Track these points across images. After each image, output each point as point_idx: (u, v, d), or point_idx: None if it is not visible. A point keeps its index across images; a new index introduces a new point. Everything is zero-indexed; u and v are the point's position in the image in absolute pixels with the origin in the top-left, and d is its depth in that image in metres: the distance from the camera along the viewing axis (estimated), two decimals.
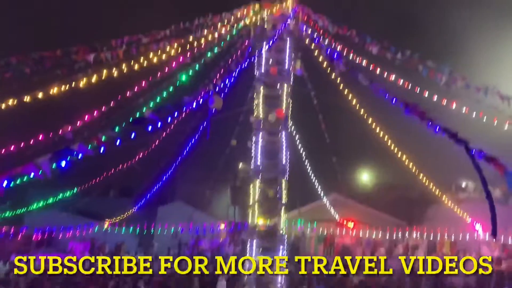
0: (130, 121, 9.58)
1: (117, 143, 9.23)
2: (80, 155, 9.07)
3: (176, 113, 11.17)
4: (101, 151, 9.40)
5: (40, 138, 13.30)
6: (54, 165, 8.67)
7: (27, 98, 12.43)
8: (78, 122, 13.66)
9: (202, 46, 15.77)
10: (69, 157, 9.02)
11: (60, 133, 13.39)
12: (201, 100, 11.83)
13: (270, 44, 16.46)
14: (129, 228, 27.08)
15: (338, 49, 16.47)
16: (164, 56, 14.52)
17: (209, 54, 15.49)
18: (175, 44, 15.04)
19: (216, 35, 16.16)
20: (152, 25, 16.35)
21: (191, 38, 15.58)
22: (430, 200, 25.31)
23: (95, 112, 13.92)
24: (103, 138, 9.56)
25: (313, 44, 17.66)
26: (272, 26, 17.59)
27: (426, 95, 14.25)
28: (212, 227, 28.81)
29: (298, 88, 18.75)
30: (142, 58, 14.11)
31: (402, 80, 14.66)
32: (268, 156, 15.76)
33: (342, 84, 17.50)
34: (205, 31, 16.18)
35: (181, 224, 27.81)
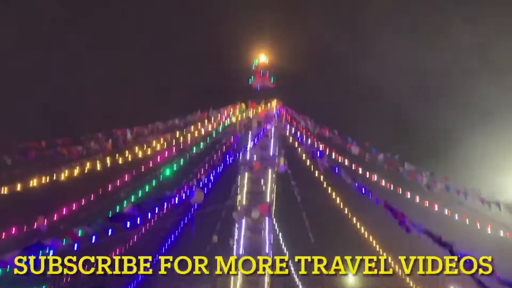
0: (109, 216, 9.32)
1: (93, 240, 8.87)
2: (51, 252, 8.65)
3: (156, 209, 10.96)
4: (75, 248, 8.99)
5: (12, 232, 12.68)
6: (23, 261, 8.21)
7: (4, 190, 12.10)
8: (55, 215, 13.19)
9: (188, 142, 16.01)
10: (40, 252, 8.60)
11: (34, 226, 12.84)
12: (184, 195, 11.70)
13: (255, 142, 16.85)
14: None
15: (320, 148, 16.90)
16: (149, 151, 14.61)
17: (194, 150, 15.67)
18: (161, 139, 15.25)
19: (202, 131, 16.52)
20: (137, 120, 16.73)
21: (177, 134, 15.86)
22: None
23: (74, 205, 13.54)
24: (79, 233, 9.21)
25: (296, 143, 18.14)
26: (258, 124, 18.14)
27: (409, 196, 14.36)
28: None
29: (282, 184, 18.81)
30: (127, 151, 14.16)
31: (383, 181, 14.87)
32: (252, 253, 15.19)
33: (325, 182, 17.64)
34: (192, 127, 16.56)
35: None
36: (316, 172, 17.39)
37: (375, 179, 14.98)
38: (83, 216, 13.43)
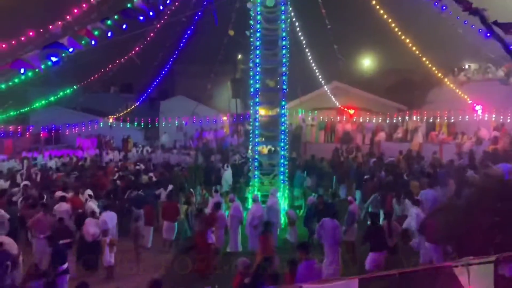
0: (120, 12, 9.14)
1: (109, 35, 8.92)
2: (71, 50, 8.85)
3: (168, 0, 10.59)
4: (93, 44, 9.14)
5: (30, 35, 12.80)
6: (49, 62, 8.52)
7: None
8: (68, 16, 13.03)
9: None
10: (60, 52, 8.81)
11: (50, 28, 12.86)
12: None
13: None
14: (134, 123, 27.60)
15: None
16: None
17: None
18: None
19: None
20: None
21: None
22: (431, 83, 25.17)
23: (84, 5, 13.19)
24: (95, 32, 9.23)
25: None
26: None
27: None
28: (216, 119, 29.32)
29: None
30: None
31: None
32: (267, 46, 15.20)
33: None
34: None
35: (184, 118, 28.31)
36: None
37: None
38: (95, 16, 13.25)
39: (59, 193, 12.73)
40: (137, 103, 26.74)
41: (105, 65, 21.11)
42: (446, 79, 22.25)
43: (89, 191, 13.28)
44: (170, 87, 36.39)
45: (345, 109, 25.71)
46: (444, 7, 11.06)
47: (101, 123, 26.33)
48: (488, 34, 8.06)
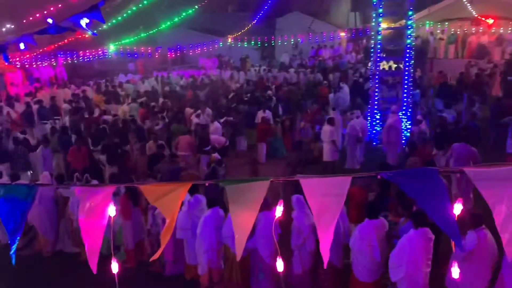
0: None
1: None
2: None
3: None
4: None
5: None
6: None
7: None
8: None
9: None
10: None
11: None
12: None
13: None
14: (251, 42, 27.88)
15: None
16: None
17: None
18: None
19: None
20: None
21: None
22: None
23: None
24: None
25: None
26: None
27: None
28: (332, 36, 28.15)
29: None
30: None
31: None
32: None
33: None
34: None
35: (300, 35, 27.67)
36: None
37: None
38: None
39: None
40: (254, 22, 26.72)
41: None
42: None
43: None
44: (285, 2, 35.42)
45: (483, 18, 22.57)
46: None
47: (221, 43, 27.06)
48: None
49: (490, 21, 22.49)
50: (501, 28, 21.81)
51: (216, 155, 10.03)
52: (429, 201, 2.87)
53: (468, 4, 22.26)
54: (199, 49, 27.09)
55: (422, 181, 2.89)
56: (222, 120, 13.45)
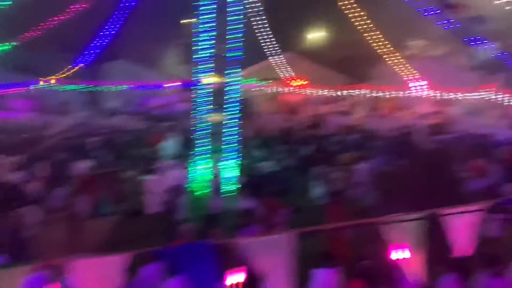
0: None
1: None
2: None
3: None
4: None
5: None
6: None
7: None
8: None
9: None
10: None
11: None
12: None
13: None
14: (75, 86, 26.18)
15: None
16: None
17: None
18: None
19: None
20: None
21: None
22: (377, 58, 25.88)
23: None
24: None
25: None
26: None
27: None
28: (162, 86, 28.43)
29: None
30: None
31: None
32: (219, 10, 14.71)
33: None
34: None
35: (128, 82, 27.18)
36: None
37: None
38: None
39: None
40: (79, 65, 25.28)
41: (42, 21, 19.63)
42: (389, 55, 22.94)
43: None
44: (114, 48, 34.62)
45: (292, 80, 25.97)
46: None
47: (39, 85, 24.70)
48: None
49: (297, 82, 26.05)
50: (307, 90, 25.37)
51: None
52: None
53: (282, 68, 25.51)
54: (11, 89, 24.13)
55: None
56: None
